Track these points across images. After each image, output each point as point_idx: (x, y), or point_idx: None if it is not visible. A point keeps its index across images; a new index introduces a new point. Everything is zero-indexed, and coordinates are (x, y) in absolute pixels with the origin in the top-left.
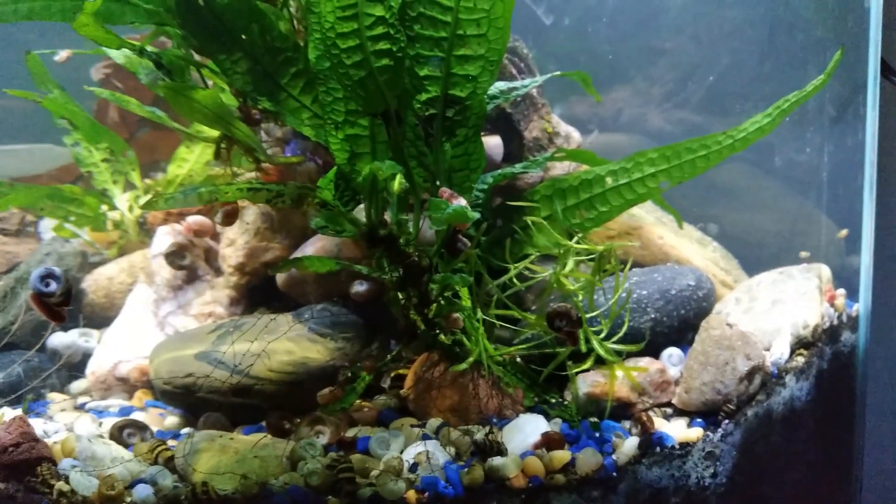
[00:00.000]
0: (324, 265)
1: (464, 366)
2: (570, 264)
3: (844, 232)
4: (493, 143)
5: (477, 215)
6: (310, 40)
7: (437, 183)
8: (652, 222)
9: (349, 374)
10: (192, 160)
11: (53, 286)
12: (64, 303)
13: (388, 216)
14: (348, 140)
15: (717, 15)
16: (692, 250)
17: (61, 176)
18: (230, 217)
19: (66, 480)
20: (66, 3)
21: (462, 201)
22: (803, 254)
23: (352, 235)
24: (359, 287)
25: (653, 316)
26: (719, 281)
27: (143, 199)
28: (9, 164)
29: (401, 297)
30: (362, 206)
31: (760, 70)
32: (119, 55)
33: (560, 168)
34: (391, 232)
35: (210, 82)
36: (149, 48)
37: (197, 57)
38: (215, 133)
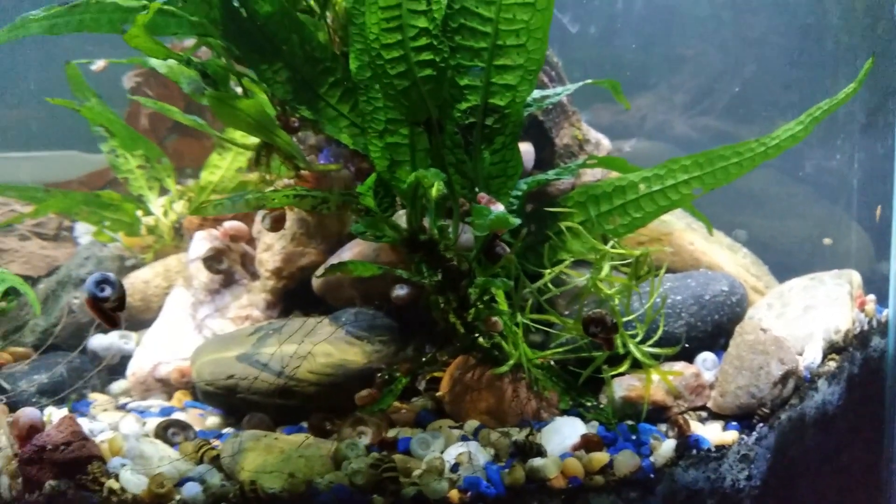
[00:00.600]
0: (367, 269)
1: (505, 368)
2: (606, 269)
3: (879, 210)
4: (524, 150)
5: (518, 221)
6: (350, 51)
7: (476, 189)
8: (682, 228)
9: (386, 377)
10: (224, 167)
11: (108, 291)
12: (118, 307)
13: (426, 222)
14: (388, 148)
15: (744, 22)
16: (723, 256)
17: (91, 182)
18: (278, 222)
19: (116, 478)
20: (114, 16)
21: (500, 207)
22: (826, 240)
23: (391, 241)
24: (399, 291)
25: (687, 321)
26: (750, 287)
27: (178, 205)
28: (37, 171)
29: (440, 301)
30: (399, 212)
31: (788, 78)
32: (162, 65)
33: (590, 174)
34: (431, 237)
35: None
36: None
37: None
38: (250, 141)
